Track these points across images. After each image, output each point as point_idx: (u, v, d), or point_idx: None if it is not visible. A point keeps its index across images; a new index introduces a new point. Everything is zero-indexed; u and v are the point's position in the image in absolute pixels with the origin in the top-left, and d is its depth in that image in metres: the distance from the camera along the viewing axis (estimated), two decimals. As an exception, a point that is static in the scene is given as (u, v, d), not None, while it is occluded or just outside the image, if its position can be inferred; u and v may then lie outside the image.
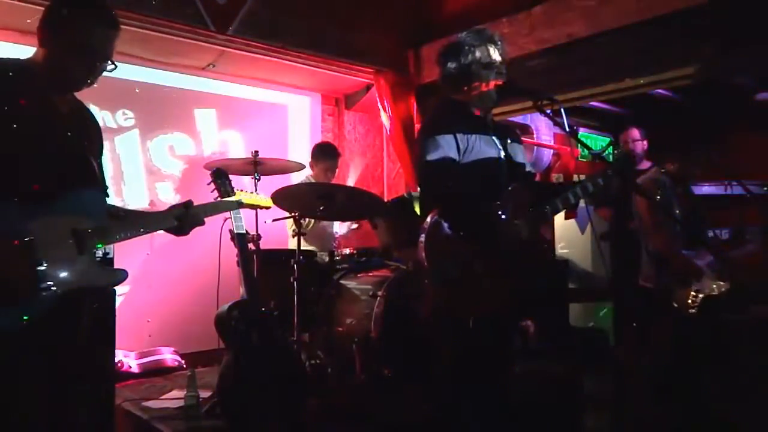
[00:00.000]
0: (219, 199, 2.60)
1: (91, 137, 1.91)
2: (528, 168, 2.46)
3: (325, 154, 4.29)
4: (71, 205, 1.71)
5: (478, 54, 2.25)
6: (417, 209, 3.75)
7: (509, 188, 2.19)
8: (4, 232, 1.57)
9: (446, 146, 2.16)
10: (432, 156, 2.15)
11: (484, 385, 2.23)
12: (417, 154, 2.23)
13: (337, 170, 4.34)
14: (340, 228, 4.48)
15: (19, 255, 1.57)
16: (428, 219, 2.09)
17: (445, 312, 2.17)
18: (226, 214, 2.90)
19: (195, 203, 2.03)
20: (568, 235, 5.73)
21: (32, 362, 1.66)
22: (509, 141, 2.35)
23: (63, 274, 1.64)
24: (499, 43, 2.31)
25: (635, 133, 4.42)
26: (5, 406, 1.62)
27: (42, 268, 1.60)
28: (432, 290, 2.07)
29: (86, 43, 1.76)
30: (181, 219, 1.96)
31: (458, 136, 2.19)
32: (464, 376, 2.21)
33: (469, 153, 2.20)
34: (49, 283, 1.61)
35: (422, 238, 2.06)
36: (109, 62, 1.82)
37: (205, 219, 2.07)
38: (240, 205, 2.54)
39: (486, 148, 2.24)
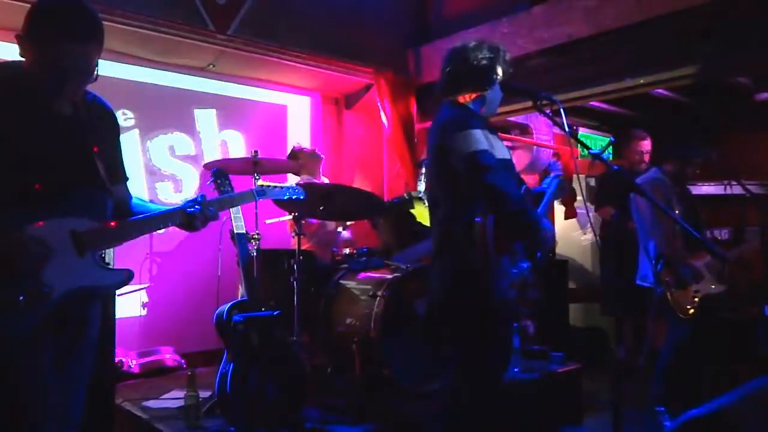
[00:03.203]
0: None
1: (101, 135, 1.87)
2: None
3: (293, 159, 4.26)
4: (70, 208, 1.69)
5: (491, 65, 2.27)
6: (418, 210, 3.76)
7: (523, 190, 2.22)
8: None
9: (483, 137, 2.13)
10: (480, 146, 2.09)
11: (476, 383, 2.24)
12: (456, 148, 2.13)
13: (314, 168, 4.25)
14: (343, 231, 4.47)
15: (18, 261, 1.58)
16: (481, 217, 2.06)
17: (497, 311, 2.17)
18: (227, 214, 2.89)
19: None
20: (567, 235, 5.74)
21: (38, 365, 1.66)
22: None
23: (63, 278, 1.64)
24: (508, 62, 2.33)
25: (648, 145, 4.28)
26: (10, 408, 1.62)
27: (42, 272, 1.60)
28: (492, 290, 2.07)
29: (53, 59, 1.67)
30: (193, 215, 1.90)
31: (484, 132, 2.17)
32: (480, 373, 2.23)
33: (493, 152, 2.19)
34: (50, 287, 1.61)
35: (485, 236, 2.04)
36: (92, 75, 1.76)
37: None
38: (260, 195, 2.27)
39: (501, 148, 2.27)
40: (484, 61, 2.26)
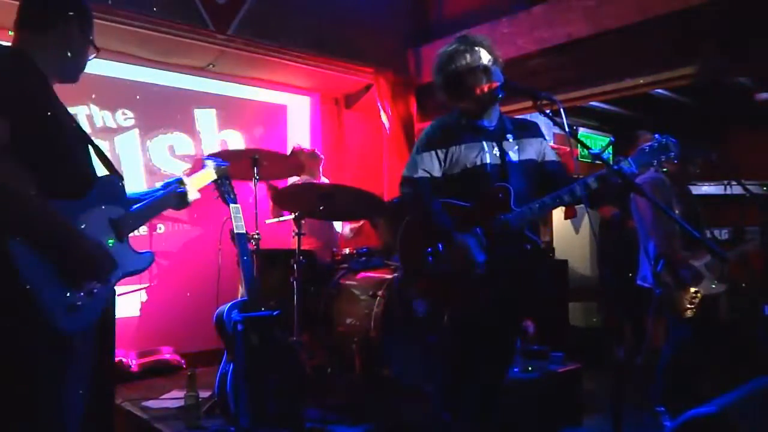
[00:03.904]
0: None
1: None
2: (550, 157, 2.41)
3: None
4: (102, 195, 1.72)
5: (460, 62, 2.26)
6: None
7: (482, 192, 2.20)
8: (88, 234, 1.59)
9: (424, 163, 2.25)
10: (405, 173, 2.30)
11: (470, 384, 2.23)
12: (406, 167, 2.35)
13: (314, 168, 4.32)
14: (342, 229, 4.48)
15: (104, 254, 1.61)
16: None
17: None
18: (227, 214, 2.90)
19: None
20: (563, 235, 5.74)
21: (82, 362, 1.67)
22: (511, 139, 2.33)
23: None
24: (483, 44, 2.31)
25: (649, 138, 4.29)
26: (29, 407, 1.56)
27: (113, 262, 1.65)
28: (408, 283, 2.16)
29: (91, 33, 1.80)
30: (184, 193, 2.05)
31: (438, 151, 2.25)
32: (452, 373, 2.23)
33: (454, 164, 2.25)
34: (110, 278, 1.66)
35: (400, 234, 2.24)
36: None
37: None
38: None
39: (471, 155, 2.24)
40: (439, 78, 2.33)
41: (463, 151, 2.25)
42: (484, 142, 2.27)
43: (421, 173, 2.25)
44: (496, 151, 2.27)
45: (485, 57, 2.28)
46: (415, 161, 2.28)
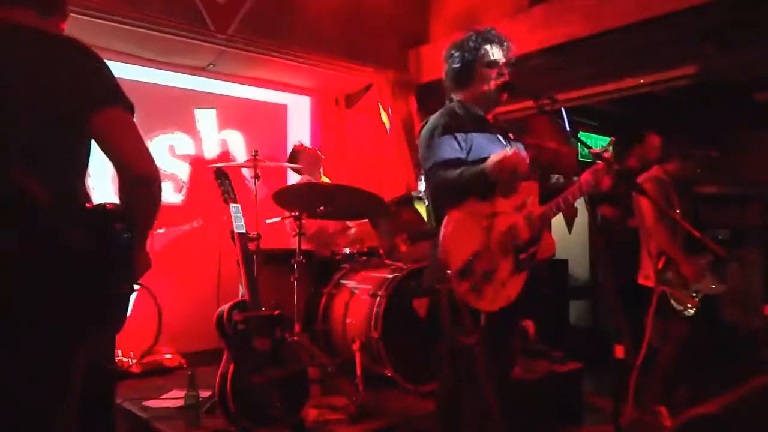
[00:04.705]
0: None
1: None
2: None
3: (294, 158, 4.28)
4: None
5: (480, 53, 2.26)
6: (418, 208, 3.76)
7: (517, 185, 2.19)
8: None
9: (449, 147, 2.16)
10: (440, 158, 2.15)
11: (486, 382, 2.23)
12: (424, 161, 2.24)
13: (315, 168, 4.29)
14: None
15: None
16: (448, 216, 2.06)
17: (462, 306, 2.14)
18: (227, 213, 2.90)
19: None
20: (560, 235, 5.74)
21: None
22: (512, 137, 2.36)
23: None
24: (503, 43, 2.31)
25: (656, 140, 4.27)
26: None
27: None
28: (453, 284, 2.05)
29: None
30: None
31: (458, 135, 2.19)
32: (468, 372, 2.22)
33: (475, 152, 2.20)
34: None
35: (443, 233, 2.04)
36: None
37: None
38: None
39: (490, 146, 2.23)
40: (456, 62, 2.30)
41: (483, 141, 2.23)
42: (499, 136, 2.29)
43: (452, 155, 2.14)
44: (506, 145, 2.28)
45: (504, 54, 2.29)
46: (434, 148, 2.18)
